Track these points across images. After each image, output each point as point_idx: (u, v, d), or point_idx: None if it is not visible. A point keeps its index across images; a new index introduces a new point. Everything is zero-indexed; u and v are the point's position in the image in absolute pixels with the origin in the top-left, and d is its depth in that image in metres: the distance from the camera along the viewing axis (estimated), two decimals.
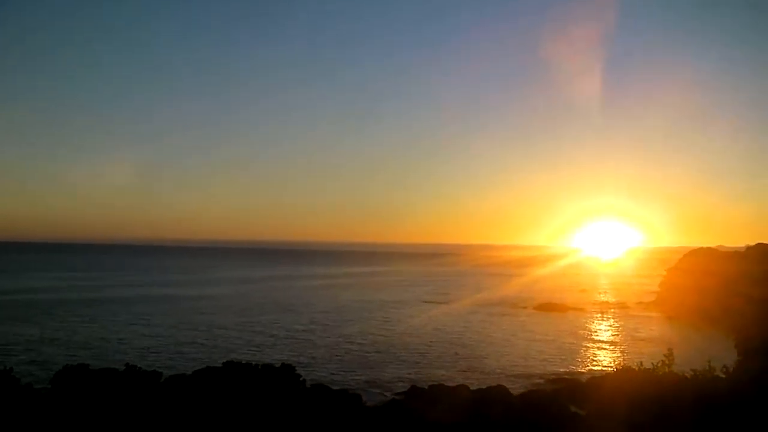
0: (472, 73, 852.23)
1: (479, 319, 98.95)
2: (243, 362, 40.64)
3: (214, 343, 72.13)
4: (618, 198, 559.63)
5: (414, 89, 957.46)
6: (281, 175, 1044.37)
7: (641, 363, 33.51)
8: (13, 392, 29.76)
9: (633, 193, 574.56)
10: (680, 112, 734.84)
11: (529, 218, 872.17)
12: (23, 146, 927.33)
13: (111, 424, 29.67)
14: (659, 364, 32.03)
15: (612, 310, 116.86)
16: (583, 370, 60.96)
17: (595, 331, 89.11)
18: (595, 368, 62.23)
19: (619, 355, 70.79)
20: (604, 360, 67.78)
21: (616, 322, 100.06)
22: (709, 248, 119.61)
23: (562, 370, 60.62)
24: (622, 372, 36.04)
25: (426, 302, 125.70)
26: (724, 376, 29.03)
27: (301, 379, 40.23)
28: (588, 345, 77.05)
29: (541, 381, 54.88)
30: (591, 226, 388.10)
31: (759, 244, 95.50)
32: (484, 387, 45.33)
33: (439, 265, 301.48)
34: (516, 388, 47.89)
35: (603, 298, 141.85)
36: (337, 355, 65.88)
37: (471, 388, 44.96)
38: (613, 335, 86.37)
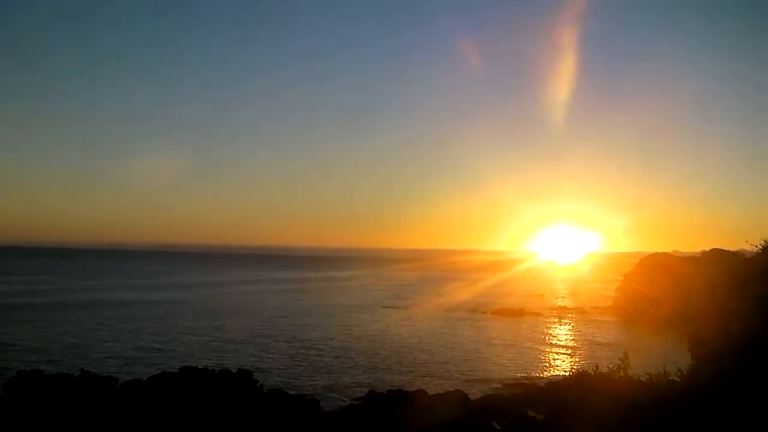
0: (434, 80, 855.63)
1: (438, 323, 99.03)
2: (200, 368, 40.19)
3: (172, 349, 70.79)
4: (577, 203, 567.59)
5: (377, 96, 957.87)
6: (237, 179, 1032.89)
7: (597, 367, 33.69)
8: None
9: (591, 198, 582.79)
10: (637, 119, 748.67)
11: (491, 224, 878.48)
12: None
13: (65, 431, 29.09)
14: (615, 368, 32.24)
15: (569, 314, 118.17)
16: (540, 375, 61.35)
17: (553, 336, 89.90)
18: (553, 373, 62.66)
19: (576, 359, 71.45)
20: (562, 364, 68.35)
21: (573, 326, 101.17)
22: (665, 253, 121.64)
23: (520, 374, 60.89)
24: (579, 376, 36.22)
25: (386, 307, 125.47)
26: (678, 379, 29.28)
27: (258, 384, 39.84)
28: (546, 349, 77.65)
29: (500, 386, 54.96)
30: (550, 231, 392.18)
31: (714, 250, 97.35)
32: (442, 392, 45.18)
33: (400, 269, 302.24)
34: (474, 392, 47.84)
35: (560, 302, 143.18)
36: (295, 361, 65.17)
37: (430, 393, 44.71)
38: (570, 340, 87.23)
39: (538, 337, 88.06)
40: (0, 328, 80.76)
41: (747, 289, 27.84)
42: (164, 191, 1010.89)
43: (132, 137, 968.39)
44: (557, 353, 75.42)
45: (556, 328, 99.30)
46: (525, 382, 56.08)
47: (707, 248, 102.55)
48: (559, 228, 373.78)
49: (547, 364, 68.33)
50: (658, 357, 34.42)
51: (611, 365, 32.93)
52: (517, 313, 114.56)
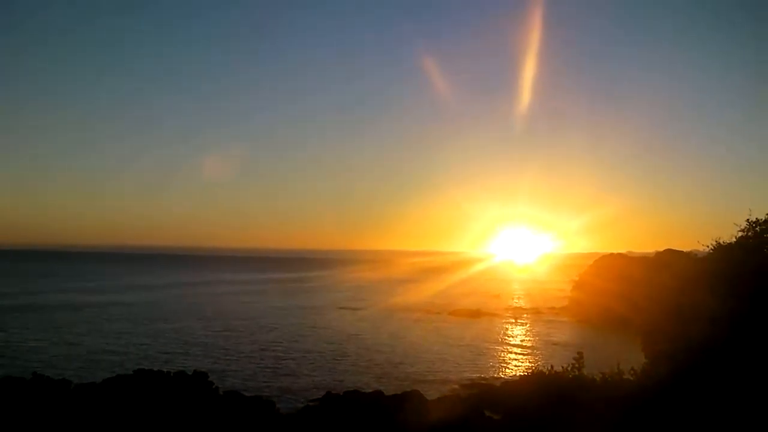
0: (395, 86, 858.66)
1: (394, 324, 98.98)
2: (155, 370, 39.66)
3: (126, 351, 69.36)
4: (534, 205, 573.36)
5: (330, 99, 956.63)
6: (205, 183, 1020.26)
7: (552, 366, 33.93)
8: None
9: (548, 200, 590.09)
10: (592, 122, 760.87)
11: (452, 226, 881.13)
12: None
13: None
14: (570, 368, 32.52)
15: (525, 315, 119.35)
16: (496, 375, 61.68)
17: (509, 336, 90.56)
18: (509, 373, 63.10)
19: (531, 359, 72.01)
20: (517, 364, 68.81)
21: (529, 327, 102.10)
22: (619, 254, 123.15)
23: (476, 375, 61.09)
24: (535, 376, 36.49)
25: (342, 308, 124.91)
26: (632, 378, 29.65)
27: (214, 386, 39.49)
28: (501, 350, 78.15)
29: (456, 386, 55.04)
30: (508, 233, 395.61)
31: (667, 250, 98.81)
32: (399, 393, 44.99)
33: (360, 271, 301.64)
34: (431, 393, 47.74)
35: (516, 303, 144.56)
36: (251, 362, 64.35)
37: (386, 394, 44.53)
38: (525, 340, 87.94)
39: (495, 337, 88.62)
40: None
41: (698, 289, 28.30)
42: (136, 194, 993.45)
43: (116, 137, 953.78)
44: (513, 353, 75.95)
45: (512, 328, 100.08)
46: (481, 382, 56.28)
47: (660, 249, 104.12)
48: (516, 229, 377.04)
49: (503, 365, 68.73)
50: (613, 356, 34.82)
51: (566, 365, 33.20)
52: (474, 314, 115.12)
